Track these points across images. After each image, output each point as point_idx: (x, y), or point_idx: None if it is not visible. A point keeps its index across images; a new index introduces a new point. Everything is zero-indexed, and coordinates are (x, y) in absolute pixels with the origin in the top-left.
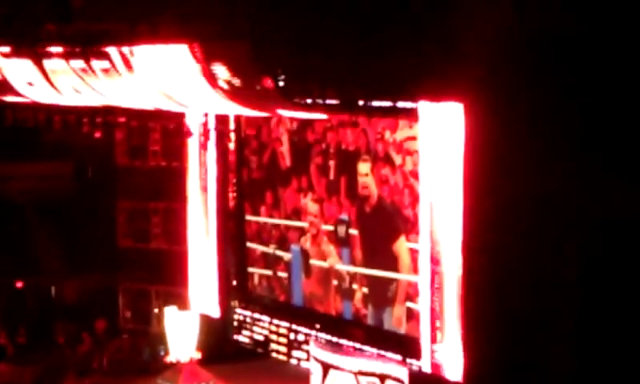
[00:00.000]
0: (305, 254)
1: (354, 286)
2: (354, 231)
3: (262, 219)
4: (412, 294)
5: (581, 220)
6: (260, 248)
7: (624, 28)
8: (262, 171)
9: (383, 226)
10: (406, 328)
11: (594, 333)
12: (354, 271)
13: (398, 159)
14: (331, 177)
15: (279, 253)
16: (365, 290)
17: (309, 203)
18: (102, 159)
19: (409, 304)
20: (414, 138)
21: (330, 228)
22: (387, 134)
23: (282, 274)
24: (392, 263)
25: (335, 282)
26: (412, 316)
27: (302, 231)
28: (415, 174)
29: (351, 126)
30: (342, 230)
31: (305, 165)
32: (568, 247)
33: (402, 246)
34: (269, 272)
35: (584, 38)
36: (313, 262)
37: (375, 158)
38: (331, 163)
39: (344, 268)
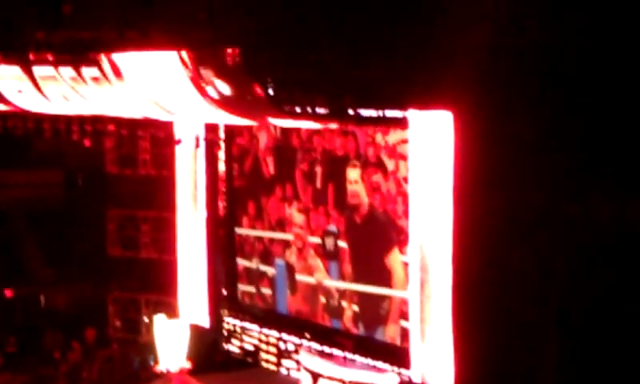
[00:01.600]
0: (290, 269)
1: (344, 304)
2: (343, 244)
3: (244, 231)
4: (407, 312)
5: (571, 228)
6: (242, 262)
7: (617, 38)
8: (243, 180)
9: (375, 238)
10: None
11: (586, 342)
12: (343, 287)
13: (390, 164)
14: (318, 185)
15: (263, 267)
16: (355, 307)
17: (294, 213)
18: (91, 168)
19: (403, 323)
20: (407, 141)
21: (318, 240)
22: (378, 137)
23: (266, 291)
24: (385, 278)
25: (323, 300)
26: (407, 336)
27: (286, 244)
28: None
29: (341, 135)
30: (330, 242)
31: (289, 172)
32: (559, 255)
33: (395, 259)
34: (252, 289)
35: (575, 47)
36: (299, 277)
37: (365, 164)
38: (318, 170)
39: (332, 284)
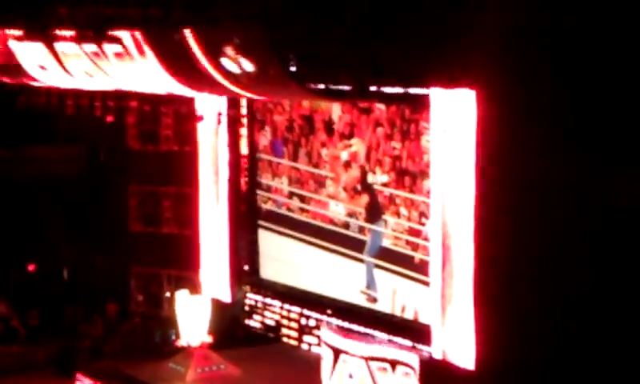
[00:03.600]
0: None
1: None
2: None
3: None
4: None
5: (593, 207)
6: None
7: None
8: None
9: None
10: None
11: (607, 318)
12: None
13: None
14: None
15: None
16: None
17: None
18: (113, 143)
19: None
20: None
21: None
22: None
23: None
24: None
25: None
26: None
27: None
28: None
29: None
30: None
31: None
32: (581, 234)
33: None
34: None
35: (599, 27)
36: None
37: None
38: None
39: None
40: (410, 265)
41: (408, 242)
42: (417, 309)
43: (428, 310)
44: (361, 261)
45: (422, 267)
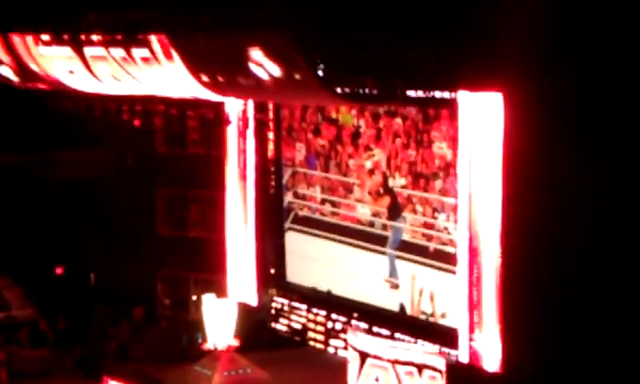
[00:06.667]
0: None
1: None
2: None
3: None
4: None
5: (622, 210)
6: None
7: None
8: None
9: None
10: None
11: (634, 323)
12: None
13: None
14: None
15: None
16: None
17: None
18: (141, 147)
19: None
20: None
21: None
22: None
23: None
24: None
25: None
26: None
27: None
28: None
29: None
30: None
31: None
32: (608, 238)
33: None
34: None
35: (627, 31)
36: None
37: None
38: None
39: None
40: (426, 253)
41: (423, 235)
42: (433, 291)
43: (443, 293)
44: (384, 253)
45: (436, 255)
